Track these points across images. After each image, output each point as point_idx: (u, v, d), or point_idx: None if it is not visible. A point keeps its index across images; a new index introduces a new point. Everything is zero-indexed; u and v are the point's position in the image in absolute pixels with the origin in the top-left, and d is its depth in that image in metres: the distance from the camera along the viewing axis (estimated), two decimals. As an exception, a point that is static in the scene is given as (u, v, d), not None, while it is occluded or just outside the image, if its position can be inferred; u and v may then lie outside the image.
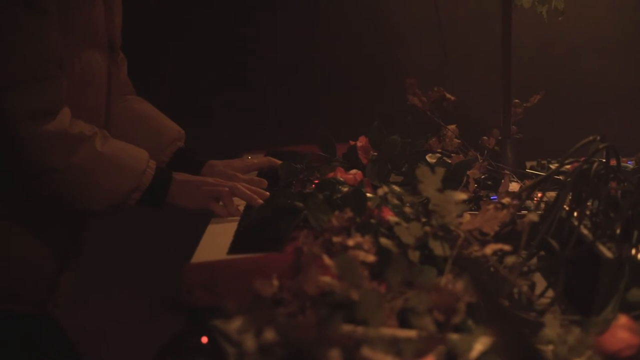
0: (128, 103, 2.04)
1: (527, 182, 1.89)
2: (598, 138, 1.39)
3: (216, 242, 1.54)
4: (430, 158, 1.97)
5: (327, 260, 1.23)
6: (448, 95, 1.77)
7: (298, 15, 2.89)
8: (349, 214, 1.35)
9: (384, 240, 1.35)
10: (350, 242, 1.30)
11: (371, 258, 1.25)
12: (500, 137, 2.03)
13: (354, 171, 1.80)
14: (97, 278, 2.76)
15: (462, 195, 1.34)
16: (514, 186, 1.93)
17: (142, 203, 1.75)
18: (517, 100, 2.09)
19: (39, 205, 1.74)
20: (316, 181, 1.97)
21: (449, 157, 1.95)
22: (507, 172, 1.92)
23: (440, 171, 1.37)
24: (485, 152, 1.98)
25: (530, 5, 2.01)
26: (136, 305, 2.97)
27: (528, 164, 2.16)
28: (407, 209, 1.45)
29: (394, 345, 0.94)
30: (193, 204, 1.78)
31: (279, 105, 2.93)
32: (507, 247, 1.28)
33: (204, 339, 1.16)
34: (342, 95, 2.93)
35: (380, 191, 1.58)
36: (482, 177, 1.86)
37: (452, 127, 1.93)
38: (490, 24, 2.30)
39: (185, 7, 2.88)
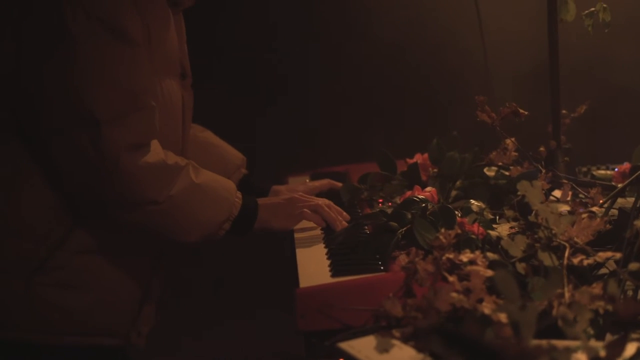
0: (192, 131, 2.07)
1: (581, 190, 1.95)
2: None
3: (314, 266, 1.57)
4: (488, 171, 2.01)
5: (449, 277, 1.28)
6: (521, 111, 1.81)
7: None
8: (457, 231, 1.39)
9: (491, 255, 1.40)
10: (464, 258, 1.33)
11: (489, 273, 1.28)
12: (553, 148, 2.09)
13: (429, 189, 1.84)
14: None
15: (566, 207, 1.39)
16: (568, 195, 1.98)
17: (230, 233, 1.77)
18: (564, 111, 2.15)
19: (123, 237, 1.76)
20: (380, 200, 2.02)
21: (507, 169, 1.99)
22: (566, 182, 1.97)
23: (539, 185, 1.42)
24: (543, 162, 2.02)
25: (573, 19, 2.07)
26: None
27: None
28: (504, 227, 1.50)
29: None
30: (285, 224, 1.82)
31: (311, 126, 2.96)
32: (617, 255, 1.33)
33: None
34: (365, 114, 2.97)
35: (476, 207, 1.64)
36: (548, 187, 1.91)
37: (512, 139, 1.97)
38: (531, 35, 2.39)
39: (228, 26, 2.90)
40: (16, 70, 1.63)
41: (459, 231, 1.38)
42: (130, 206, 1.67)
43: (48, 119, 1.63)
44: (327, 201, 1.85)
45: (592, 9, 2.00)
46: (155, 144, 1.68)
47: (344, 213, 1.84)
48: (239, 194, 1.78)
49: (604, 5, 1.99)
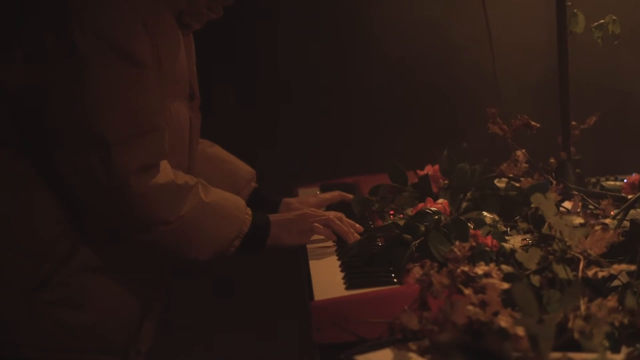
0: (200, 146, 2.08)
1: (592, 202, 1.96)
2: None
3: (328, 279, 1.57)
4: (499, 183, 2.02)
5: (465, 290, 1.28)
6: (533, 123, 1.82)
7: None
8: (471, 243, 1.39)
9: (505, 267, 1.40)
10: (479, 271, 1.34)
11: (505, 285, 1.29)
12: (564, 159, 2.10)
13: (441, 201, 1.85)
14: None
15: (580, 219, 1.39)
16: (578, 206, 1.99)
17: (241, 250, 1.78)
18: (574, 123, 2.16)
19: (126, 255, 1.77)
20: (391, 212, 2.03)
21: (517, 181, 2.00)
22: (577, 193, 1.98)
23: (552, 197, 1.43)
24: (553, 173, 2.03)
25: (582, 31, 2.08)
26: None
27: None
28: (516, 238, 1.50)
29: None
30: (297, 240, 1.83)
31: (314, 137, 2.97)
32: (632, 267, 1.34)
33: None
34: (374, 125, 2.97)
35: (489, 219, 1.64)
36: (560, 199, 1.91)
37: (523, 151, 1.98)
38: (541, 46, 2.40)
39: (236, 39, 2.91)
40: (26, 92, 1.64)
41: (474, 244, 1.39)
42: (141, 227, 1.68)
43: (58, 140, 1.64)
44: (339, 214, 1.86)
45: (602, 21, 2.02)
46: (164, 165, 1.69)
47: (357, 225, 1.85)
48: (248, 211, 1.79)
49: (614, 18, 2.00)
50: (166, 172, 1.68)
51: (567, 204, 1.97)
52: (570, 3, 2.10)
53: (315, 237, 1.87)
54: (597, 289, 1.36)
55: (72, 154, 1.63)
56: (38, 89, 1.63)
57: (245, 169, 2.13)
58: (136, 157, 1.63)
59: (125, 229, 1.70)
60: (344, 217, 1.86)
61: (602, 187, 2.23)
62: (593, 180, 2.32)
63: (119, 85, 1.63)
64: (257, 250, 1.81)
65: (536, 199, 1.39)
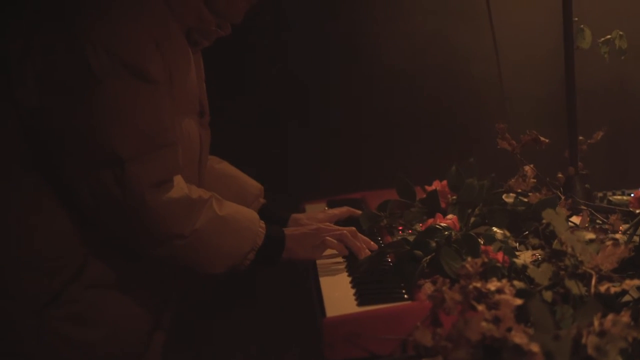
0: (209, 162, 2.08)
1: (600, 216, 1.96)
2: None
3: (339, 295, 1.57)
4: (507, 198, 2.02)
5: (479, 306, 1.28)
6: (542, 138, 1.83)
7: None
8: (483, 259, 1.39)
9: (517, 283, 1.40)
10: (492, 287, 1.34)
11: (518, 301, 1.29)
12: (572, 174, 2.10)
13: (450, 216, 1.85)
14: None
15: (591, 235, 1.40)
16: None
17: (258, 263, 1.78)
18: (581, 137, 2.16)
19: (136, 270, 1.78)
20: (400, 227, 2.03)
21: (526, 196, 2.00)
22: (585, 208, 1.98)
23: (563, 212, 1.43)
24: (561, 188, 2.03)
25: (589, 47, 2.09)
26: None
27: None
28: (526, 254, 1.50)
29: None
30: (310, 255, 1.84)
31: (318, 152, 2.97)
32: (643, 282, 1.34)
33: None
34: (380, 141, 2.97)
35: (500, 234, 1.65)
36: (568, 214, 1.91)
37: (531, 166, 1.98)
38: (547, 61, 2.40)
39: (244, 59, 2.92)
40: (38, 109, 1.65)
41: (485, 259, 1.39)
42: (157, 241, 1.69)
43: (72, 158, 1.65)
44: (352, 229, 1.87)
45: (608, 36, 2.03)
46: (178, 179, 1.70)
47: (372, 243, 1.85)
48: (262, 224, 1.80)
49: (620, 33, 2.01)
50: (180, 186, 1.69)
51: (575, 219, 1.98)
52: (577, 18, 2.11)
53: (326, 251, 1.87)
54: (609, 304, 1.36)
55: (87, 171, 1.64)
56: (51, 108, 1.64)
57: (253, 185, 2.14)
58: (151, 172, 1.64)
59: (140, 244, 1.71)
60: (358, 233, 1.86)
61: (609, 202, 2.23)
62: (600, 194, 2.32)
63: (133, 102, 1.64)
64: (271, 264, 1.81)
65: (548, 215, 1.39)
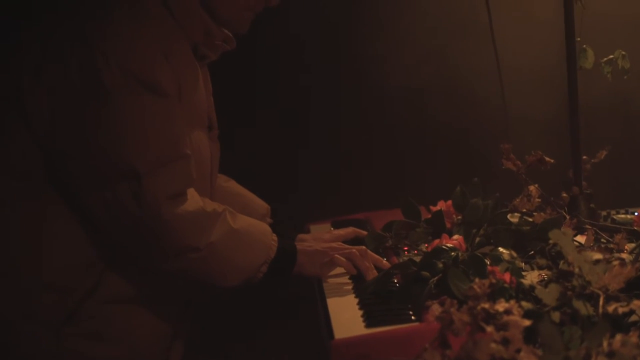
0: (217, 181, 2.09)
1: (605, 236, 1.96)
2: None
3: (346, 317, 1.57)
4: (511, 217, 2.02)
5: (487, 327, 1.28)
6: (547, 159, 1.83)
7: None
8: (491, 280, 1.39)
9: (525, 304, 1.40)
10: (500, 308, 1.34)
11: (527, 322, 1.29)
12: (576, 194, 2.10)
13: (456, 237, 1.85)
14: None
15: (598, 255, 1.40)
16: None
17: (269, 275, 1.79)
18: (585, 157, 2.17)
19: (153, 285, 1.78)
20: (405, 248, 2.03)
21: (530, 216, 2.00)
22: (590, 227, 1.98)
23: (570, 233, 1.43)
24: (566, 208, 2.04)
25: (592, 67, 2.10)
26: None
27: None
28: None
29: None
30: (319, 272, 1.84)
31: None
32: (652, 302, 1.34)
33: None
34: (384, 161, 2.98)
35: (507, 255, 1.65)
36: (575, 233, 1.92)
37: (536, 186, 1.99)
38: (550, 80, 2.41)
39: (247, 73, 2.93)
40: (51, 125, 1.65)
41: (493, 280, 1.39)
42: (173, 255, 1.69)
43: (87, 173, 1.66)
44: (363, 248, 1.87)
45: (611, 56, 2.04)
46: (192, 192, 1.71)
47: (384, 261, 1.86)
48: (274, 237, 1.82)
49: (623, 53, 2.02)
50: (195, 199, 1.69)
51: (580, 238, 1.98)
52: (579, 38, 2.12)
53: (333, 271, 1.88)
54: (617, 324, 1.36)
55: (101, 186, 1.65)
56: (65, 124, 1.65)
57: (260, 204, 2.15)
58: (166, 185, 1.64)
59: (154, 258, 1.71)
60: (368, 252, 1.87)
61: (614, 221, 2.23)
62: (604, 213, 2.32)
63: (146, 115, 1.65)
64: (283, 277, 1.81)
65: (555, 235, 1.40)
